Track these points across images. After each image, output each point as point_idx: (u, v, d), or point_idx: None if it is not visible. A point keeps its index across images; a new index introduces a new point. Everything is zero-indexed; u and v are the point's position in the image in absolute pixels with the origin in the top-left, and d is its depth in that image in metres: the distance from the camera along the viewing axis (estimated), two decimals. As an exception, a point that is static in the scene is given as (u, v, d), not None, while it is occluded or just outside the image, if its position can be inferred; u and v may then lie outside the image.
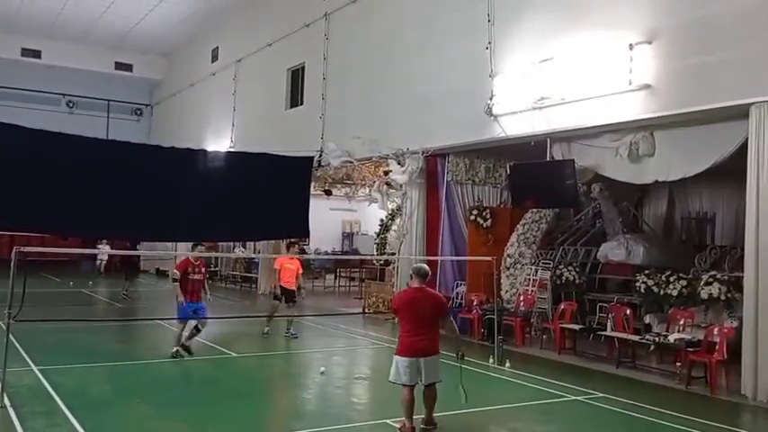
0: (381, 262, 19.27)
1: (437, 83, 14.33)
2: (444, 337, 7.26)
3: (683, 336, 10.07)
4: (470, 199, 15.07)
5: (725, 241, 14.02)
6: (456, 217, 14.97)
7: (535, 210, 13.94)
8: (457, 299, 14.40)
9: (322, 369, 9.96)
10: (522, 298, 13.19)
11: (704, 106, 9.44)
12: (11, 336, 7.85)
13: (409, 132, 14.80)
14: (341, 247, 29.79)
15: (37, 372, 9.14)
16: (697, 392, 9.27)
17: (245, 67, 23.88)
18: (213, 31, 26.84)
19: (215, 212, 11.23)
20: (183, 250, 23.29)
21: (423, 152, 14.67)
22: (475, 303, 13.46)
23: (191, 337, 10.60)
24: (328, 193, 21.58)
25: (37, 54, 29.48)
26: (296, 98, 20.82)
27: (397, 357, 6.91)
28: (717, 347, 9.35)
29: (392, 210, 18.86)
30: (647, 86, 10.12)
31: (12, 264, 7.37)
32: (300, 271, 13.37)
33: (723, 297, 10.55)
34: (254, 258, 22.49)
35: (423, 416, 7.07)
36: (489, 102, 12.68)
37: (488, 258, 11.69)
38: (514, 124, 12.36)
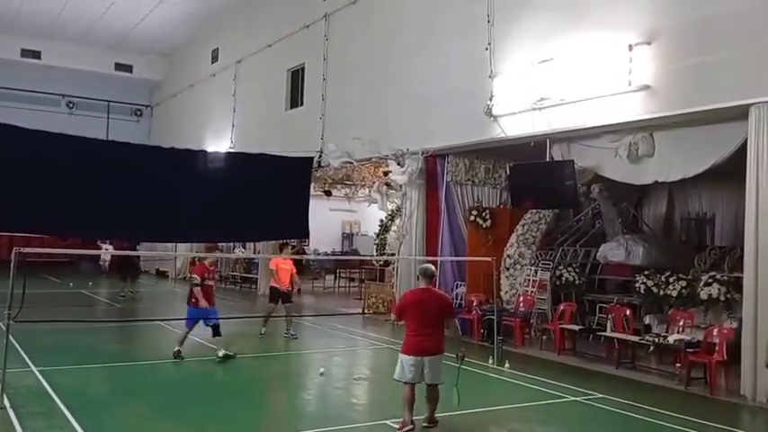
0: (381, 263, 19.27)
1: (437, 83, 14.34)
2: (447, 337, 7.31)
3: (682, 336, 10.07)
4: (470, 199, 15.07)
5: (724, 242, 14.02)
6: (456, 217, 14.97)
7: (535, 210, 13.93)
8: (456, 299, 14.39)
9: (322, 370, 9.96)
10: (521, 299, 13.19)
11: (704, 107, 9.44)
12: (11, 336, 7.86)
13: (409, 133, 14.81)
14: (341, 248, 29.79)
15: (37, 373, 9.14)
16: (696, 393, 9.27)
17: (244, 67, 23.89)
18: (213, 32, 26.85)
19: (215, 213, 11.23)
20: (183, 251, 23.52)
21: (422, 153, 14.67)
22: (474, 304, 13.46)
23: (220, 344, 10.48)
24: (328, 193, 21.59)
25: (37, 55, 29.50)
26: (296, 99, 20.82)
27: (402, 356, 7.02)
28: (716, 348, 9.35)
29: (392, 210, 18.87)
30: (647, 87, 10.13)
31: (11, 264, 7.37)
32: (294, 271, 13.40)
33: (723, 298, 10.55)
34: (253, 259, 22.49)
35: (424, 415, 7.13)
36: (489, 102, 12.68)
37: (488, 259, 11.69)
38: (514, 125, 12.37)
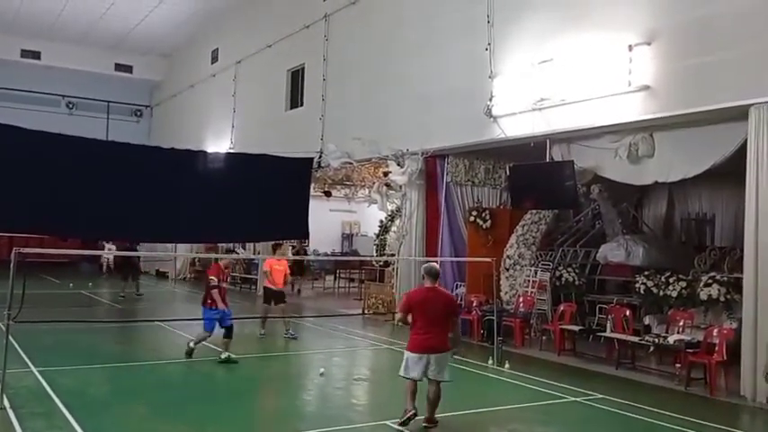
0: (381, 263, 19.27)
1: (437, 84, 14.34)
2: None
3: (682, 337, 10.07)
4: (470, 200, 15.07)
5: (724, 242, 14.02)
6: (455, 218, 14.96)
7: (535, 211, 13.93)
8: (456, 300, 14.38)
9: (322, 370, 9.96)
10: (521, 299, 13.19)
11: (703, 107, 9.44)
12: (10, 337, 7.86)
13: (409, 133, 14.81)
14: (340, 249, 29.77)
15: (36, 373, 9.14)
16: (696, 393, 9.28)
17: (244, 68, 23.89)
18: (213, 33, 26.85)
19: (215, 214, 11.23)
20: (183, 251, 23.53)
21: (422, 153, 14.67)
22: (474, 304, 13.45)
23: (226, 347, 10.48)
24: (328, 194, 21.59)
25: (36, 55, 29.49)
26: (296, 99, 20.82)
27: (407, 353, 7.17)
28: (716, 348, 9.36)
29: (392, 211, 18.88)
30: (647, 87, 10.13)
31: (11, 265, 7.37)
32: (288, 272, 13.44)
33: (722, 298, 10.56)
34: (253, 260, 22.47)
35: (424, 416, 7.16)
36: (489, 103, 12.68)
37: (488, 259, 11.69)
38: (514, 125, 12.37)
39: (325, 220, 25.23)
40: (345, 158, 16.82)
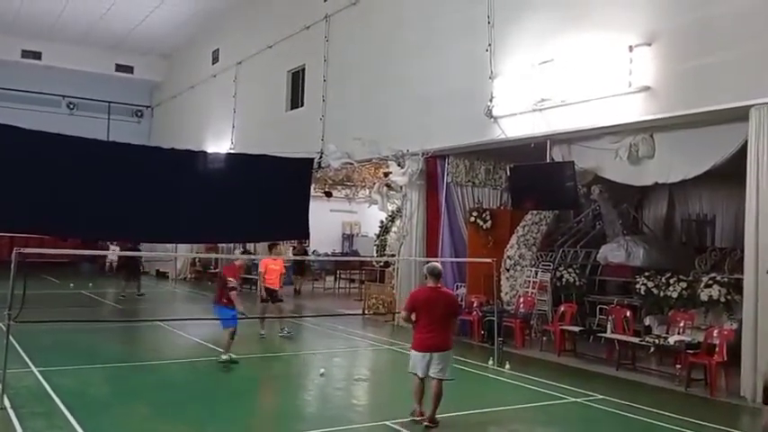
0: (381, 264, 19.26)
1: (437, 84, 14.34)
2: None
3: (682, 338, 10.06)
4: (470, 200, 15.06)
5: (725, 243, 14.02)
6: (456, 219, 14.96)
7: (535, 211, 13.93)
8: (458, 300, 14.39)
9: (322, 370, 9.97)
10: (521, 300, 13.19)
11: (704, 108, 9.44)
12: (11, 337, 7.86)
13: (409, 134, 14.81)
14: (341, 249, 29.77)
15: (37, 373, 9.14)
16: (697, 394, 9.28)
17: (245, 68, 23.89)
18: (213, 33, 26.85)
19: (215, 214, 11.22)
20: (183, 252, 23.52)
21: (423, 154, 14.67)
22: (475, 305, 13.45)
23: (228, 347, 10.47)
24: (328, 194, 21.58)
25: (37, 55, 29.49)
26: (296, 100, 20.83)
27: (412, 352, 7.44)
28: (716, 349, 9.36)
29: (392, 211, 18.87)
30: (647, 88, 10.12)
31: (12, 265, 7.38)
32: (283, 272, 13.52)
33: (723, 299, 10.55)
34: (253, 260, 22.46)
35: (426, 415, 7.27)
36: (489, 103, 12.68)
37: (488, 260, 11.69)
38: (514, 126, 12.37)
39: (326, 221, 25.22)
40: (346, 159, 16.81)
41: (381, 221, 22.04)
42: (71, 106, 30.94)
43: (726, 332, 9.56)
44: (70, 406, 7.54)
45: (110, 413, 7.59)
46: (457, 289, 14.66)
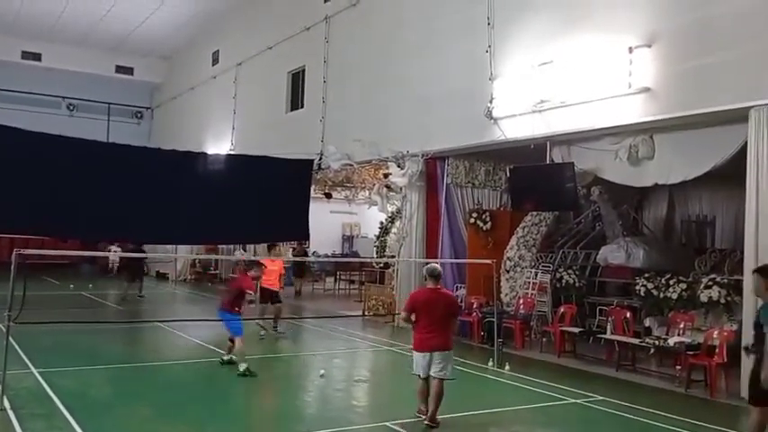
0: (381, 265, 19.26)
1: (437, 85, 14.35)
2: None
3: (682, 339, 10.06)
4: (470, 202, 15.07)
5: (725, 244, 14.02)
6: (456, 220, 14.96)
7: (535, 213, 13.93)
8: (458, 301, 14.39)
9: (322, 371, 9.97)
10: (521, 301, 13.19)
11: (704, 109, 9.45)
12: (11, 338, 7.86)
13: (409, 135, 14.82)
14: (341, 250, 29.78)
15: (37, 374, 9.14)
16: (696, 395, 9.28)
17: (245, 70, 23.91)
18: (213, 35, 26.86)
19: (215, 215, 11.22)
20: (184, 253, 23.51)
21: (422, 155, 14.68)
22: (475, 306, 13.45)
23: (231, 350, 10.47)
24: (328, 195, 21.58)
25: (37, 57, 29.50)
26: (296, 101, 20.84)
27: (414, 352, 7.52)
28: (716, 350, 9.36)
29: (392, 213, 18.86)
30: (647, 89, 10.13)
31: (12, 266, 7.38)
32: (283, 272, 13.51)
33: (723, 300, 10.55)
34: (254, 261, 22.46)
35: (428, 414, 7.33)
36: (489, 104, 12.69)
37: (488, 261, 11.67)
38: (514, 127, 12.38)
39: (326, 222, 25.24)
40: (346, 160, 16.82)
41: (381, 223, 22.00)
42: (71, 107, 30.94)
43: (726, 333, 9.56)
44: (70, 407, 7.54)
45: (110, 414, 7.59)
46: (457, 290, 14.66)
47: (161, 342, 12.90)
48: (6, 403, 7.39)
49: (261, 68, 22.78)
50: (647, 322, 11.85)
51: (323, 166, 17.51)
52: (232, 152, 22.28)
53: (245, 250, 23.31)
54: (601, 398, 8.88)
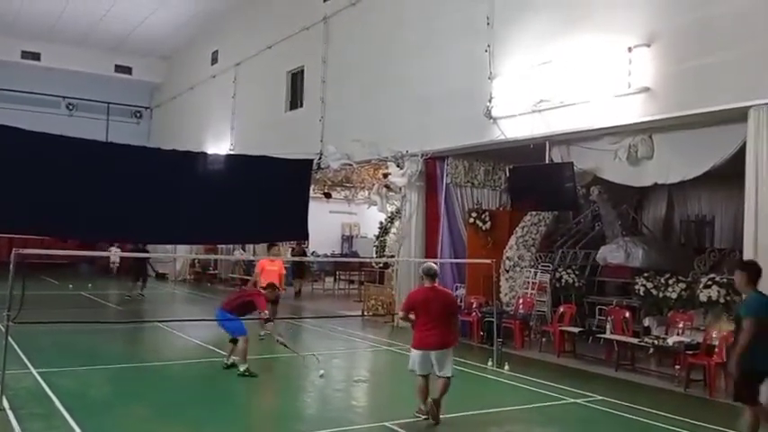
0: (380, 265, 19.27)
1: (436, 85, 14.35)
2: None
3: (682, 338, 10.07)
4: (469, 202, 15.07)
5: (724, 244, 14.02)
6: (455, 220, 14.97)
7: (534, 212, 13.93)
8: (456, 298, 14.38)
9: (321, 372, 9.95)
10: (521, 301, 13.20)
11: (703, 109, 9.45)
12: (10, 338, 7.85)
13: (408, 135, 14.83)
14: (340, 250, 29.78)
15: (36, 374, 9.14)
16: (696, 395, 9.28)
17: (244, 70, 23.91)
18: (213, 35, 26.87)
19: (215, 215, 11.21)
20: (183, 253, 23.52)
21: (422, 155, 14.68)
22: (474, 306, 13.45)
23: (231, 352, 10.44)
24: (328, 195, 21.59)
25: (37, 57, 29.53)
26: (295, 101, 20.84)
27: (412, 350, 7.53)
28: (716, 350, 9.36)
29: (391, 212, 18.87)
30: (646, 89, 10.14)
31: (11, 266, 7.37)
32: (283, 272, 13.47)
33: (722, 300, 10.54)
34: (253, 261, 22.47)
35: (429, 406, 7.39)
36: (488, 104, 12.69)
37: (487, 261, 11.67)
38: (514, 127, 12.38)
39: (325, 222, 25.25)
40: (345, 160, 16.82)
41: (380, 223, 22.05)
42: (70, 107, 30.95)
43: (725, 333, 9.55)
44: (69, 407, 7.53)
45: (109, 414, 7.58)
46: (456, 290, 14.66)
47: (160, 342, 12.90)
48: (5, 403, 7.38)
49: (260, 68, 22.78)
50: (647, 322, 11.84)
51: (322, 166, 17.52)
52: (231, 152, 22.28)
53: (244, 250, 23.35)
54: (600, 397, 8.88)
